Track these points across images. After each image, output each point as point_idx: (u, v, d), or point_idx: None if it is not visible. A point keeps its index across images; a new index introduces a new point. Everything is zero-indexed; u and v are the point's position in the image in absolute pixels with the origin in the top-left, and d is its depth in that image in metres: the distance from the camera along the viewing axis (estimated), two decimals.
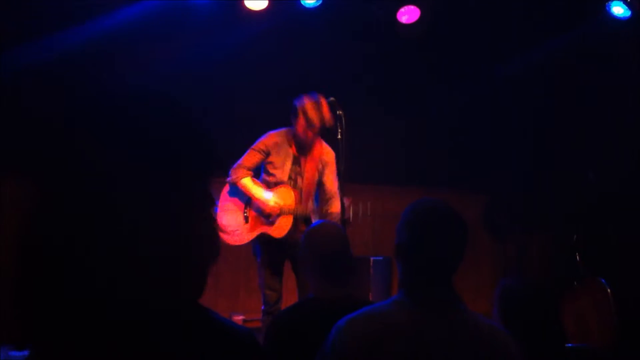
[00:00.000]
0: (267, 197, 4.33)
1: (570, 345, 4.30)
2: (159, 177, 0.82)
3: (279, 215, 4.34)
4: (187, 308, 0.85)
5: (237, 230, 4.43)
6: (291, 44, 5.86)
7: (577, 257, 5.20)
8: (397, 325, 1.78)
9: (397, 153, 6.27)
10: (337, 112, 4.10)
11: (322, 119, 4.17)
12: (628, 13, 5.63)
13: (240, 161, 4.40)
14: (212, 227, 0.89)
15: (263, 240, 4.40)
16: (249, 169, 4.39)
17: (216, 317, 0.89)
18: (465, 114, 6.60)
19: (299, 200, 4.38)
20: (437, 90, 6.37)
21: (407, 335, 1.76)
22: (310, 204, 4.41)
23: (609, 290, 4.70)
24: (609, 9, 5.65)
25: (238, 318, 6.08)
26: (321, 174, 4.41)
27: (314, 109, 4.18)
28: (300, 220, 4.39)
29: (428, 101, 6.34)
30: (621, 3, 5.62)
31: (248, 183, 4.38)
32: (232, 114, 5.88)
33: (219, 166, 0.90)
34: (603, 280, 4.77)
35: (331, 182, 4.41)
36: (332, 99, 4.19)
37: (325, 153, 4.42)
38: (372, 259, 5.69)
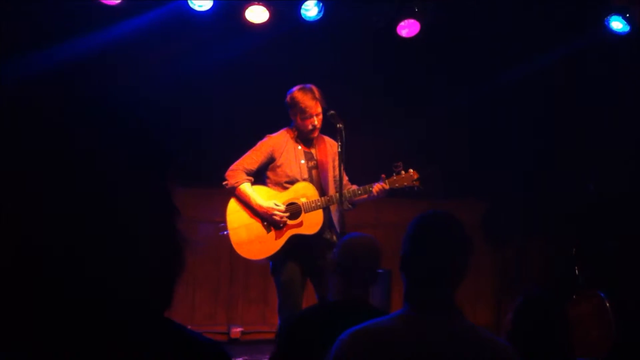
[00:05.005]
0: (270, 204, 4.10)
1: None
2: (125, 179, 0.83)
3: (305, 212, 4.13)
4: (150, 318, 0.85)
5: (260, 241, 4.13)
6: (291, 57, 5.89)
7: (576, 270, 5.20)
8: (399, 339, 1.78)
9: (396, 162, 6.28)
10: (337, 125, 4.10)
11: (313, 98, 4.14)
12: (627, 28, 5.67)
13: (238, 163, 4.19)
14: (175, 233, 0.88)
15: (289, 250, 4.13)
16: (249, 173, 4.18)
17: (181, 329, 0.90)
18: (464, 122, 6.64)
19: (321, 192, 4.19)
20: (437, 100, 6.41)
21: (409, 350, 1.76)
22: (333, 192, 4.18)
23: (607, 303, 4.70)
24: (608, 23, 5.69)
25: (236, 330, 6.06)
26: (334, 164, 4.28)
27: (303, 93, 4.16)
28: (328, 212, 4.18)
29: (428, 111, 6.38)
30: (620, 18, 5.65)
31: (248, 189, 4.13)
32: (232, 125, 5.89)
33: (170, 180, 0.90)
34: (602, 294, 4.77)
35: (343, 173, 4.32)
36: (332, 112, 4.18)
37: (333, 144, 4.32)
38: None
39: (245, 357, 5.34)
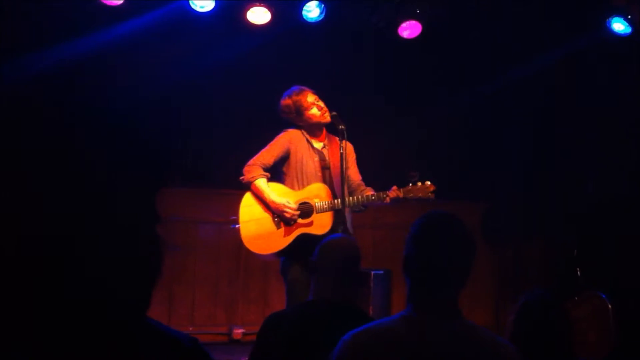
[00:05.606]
0: (282, 200, 4.07)
1: None
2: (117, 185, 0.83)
3: (316, 212, 4.09)
4: (144, 318, 0.86)
5: (269, 237, 4.10)
6: (293, 58, 5.89)
7: (578, 272, 5.20)
8: (401, 340, 1.78)
9: (397, 164, 6.30)
10: (340, 126, 4.08)
11: (299, 92, 4.19)
12: (629, 30, 5.66)
13: (256, 158, 4.18)
14: (156, 239, 0.88)
15: (297, 249, 4.06)
16: (266, 168, 4.16)
17: (157, 325, 0.90)
18: (464, 122, 6.64)
19: (333, 193, 4.15)
20: (437, 100, 6.43)
21: (412, 351, 1.76)
22: (345, 194, 4.12)
23: (609, 305, 4.69)
24: (609, 25, 5.68)
25: (238, 331, 6.06)
26: (345, 165, 4.16)
27: (287, 97, 4.21)
28: (340, 214, 4.11)
29: (429, 111, 6.39)
30: (622, 20, 5.65)
31: (262, 185, 4.11)
32: (233, 127, 5.90)
33: (166, 181, 0.90)
34: (603, 295, 4.77)
35: (355, 173, 4.34)
36: (334, 113, 4.19)
37: (345, 145, 4.20)
38: (372, 272, 5.68)
39: (245, 358, 5.33)
